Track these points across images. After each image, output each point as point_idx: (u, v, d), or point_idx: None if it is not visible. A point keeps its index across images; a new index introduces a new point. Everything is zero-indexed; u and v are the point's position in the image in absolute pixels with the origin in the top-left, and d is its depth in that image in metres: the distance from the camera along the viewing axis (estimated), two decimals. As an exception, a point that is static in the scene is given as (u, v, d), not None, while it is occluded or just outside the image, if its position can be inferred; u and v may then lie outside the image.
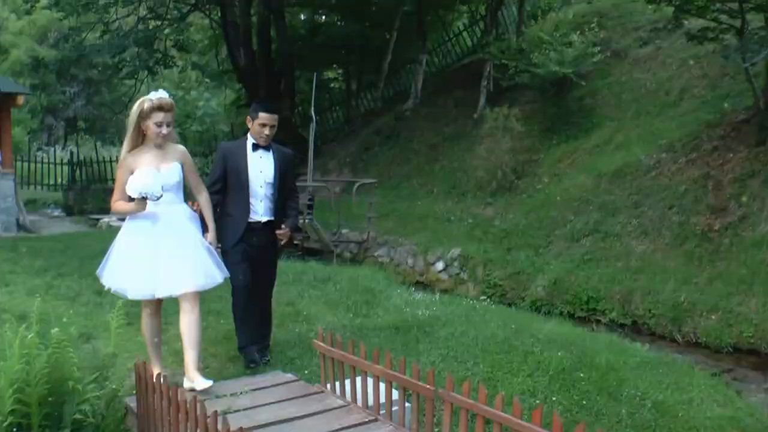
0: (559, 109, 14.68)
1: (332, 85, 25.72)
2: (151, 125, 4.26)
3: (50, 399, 3.35)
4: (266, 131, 4.93)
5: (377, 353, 4.16)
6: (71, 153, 22.05)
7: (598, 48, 14.22)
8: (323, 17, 24.08)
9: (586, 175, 12.29)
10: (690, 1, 10.46)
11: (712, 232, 9.87)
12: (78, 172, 20.80)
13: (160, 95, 4.33)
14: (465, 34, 21.97)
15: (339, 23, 23.15)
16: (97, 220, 14.53)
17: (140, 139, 4.35)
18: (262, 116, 4.91)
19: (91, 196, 18.54)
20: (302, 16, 24.74)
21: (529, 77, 14.29)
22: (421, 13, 19.08)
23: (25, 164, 21.42)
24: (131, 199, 4.24)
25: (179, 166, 4.42)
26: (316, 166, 14.73)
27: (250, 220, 4.94)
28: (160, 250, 4.22)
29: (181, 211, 4.43)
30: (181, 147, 4.58)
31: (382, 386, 4.11)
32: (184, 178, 4.49)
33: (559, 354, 5.37)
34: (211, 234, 4.62)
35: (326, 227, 13.17)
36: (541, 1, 19.45)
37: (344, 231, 13.41)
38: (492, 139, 13.87)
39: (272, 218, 5.04)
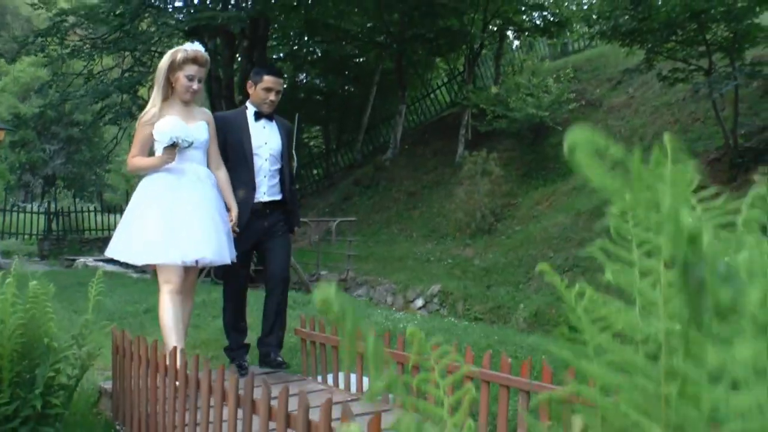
0: (537, 155, 14.94)
1: (311, 143, 26.01)
2: (181, 77, 3.85)
3: (24, 362, 3.24)
4: (272, 96, 4.33)
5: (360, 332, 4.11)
6: (48, 203, 21.78)
7: (574, 94, 14.62)
8: (305, 76, 24.55)
9: (565, 214, 12.42)
10: (660, 44, 10.89)
11: (690, 263, 9.96)
12: (54, 221, 20.43)
13: (195, 47, 3.94)
14: (443, 89, 22.49)
15: (320, 80, 23.62)
16: (73, 260, 14.17)
17: (169, 92, 3.92)
18: (267, 79, 4.31)
19: (67, 246, 18.01)
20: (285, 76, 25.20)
21: (507, 123, 14.59)
22: (401, 70, 19.57)
23: (0, 215, 21.04)
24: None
25: (206, 126, 4.00)
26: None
27: (254, 201, 4.30)
28: (183, 205, 3.77)
29: (207, 175, 3.99)
30: (207, 110, 4.19)
31: (366, 379, 4.03)
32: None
33: (544, 357, 5.32)
34: (235, 212, 4.10)
35: (305, 269, 13.07)
36: (516, 58, 20.12)
37: (323, 273, 13.32)
38: (471, 182, 14.01)
39: (278, 197, 4.41)
